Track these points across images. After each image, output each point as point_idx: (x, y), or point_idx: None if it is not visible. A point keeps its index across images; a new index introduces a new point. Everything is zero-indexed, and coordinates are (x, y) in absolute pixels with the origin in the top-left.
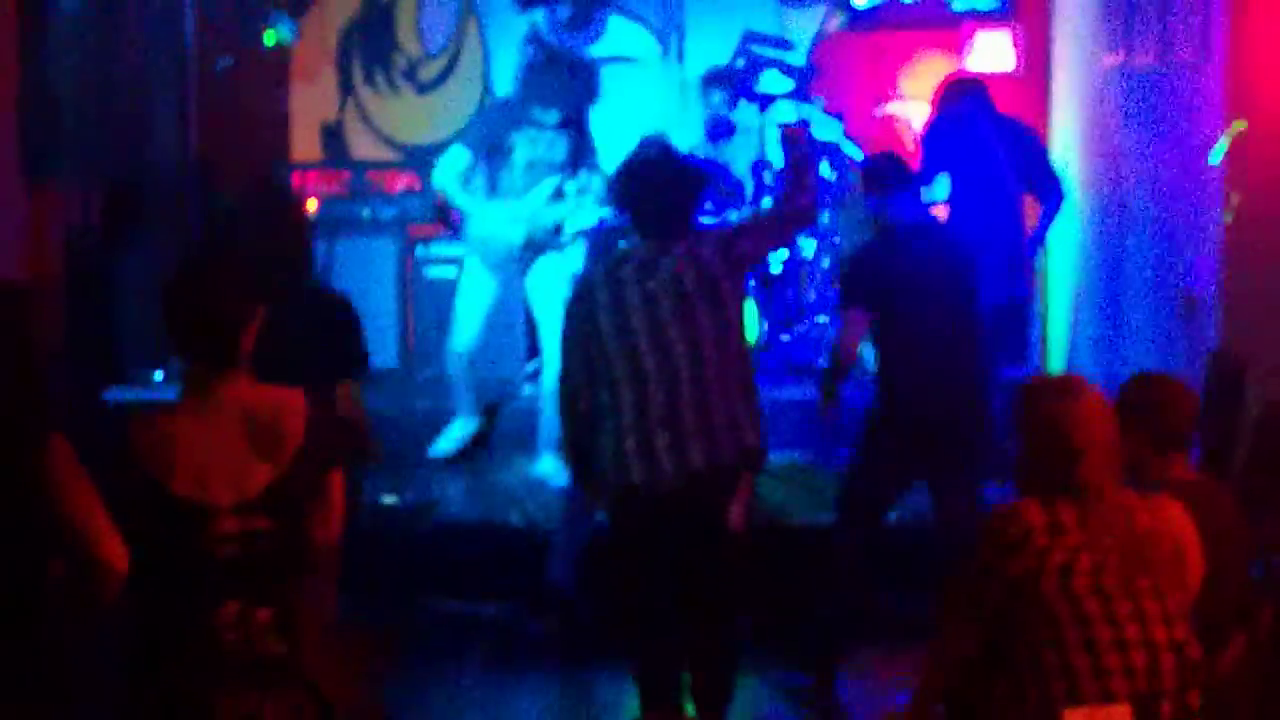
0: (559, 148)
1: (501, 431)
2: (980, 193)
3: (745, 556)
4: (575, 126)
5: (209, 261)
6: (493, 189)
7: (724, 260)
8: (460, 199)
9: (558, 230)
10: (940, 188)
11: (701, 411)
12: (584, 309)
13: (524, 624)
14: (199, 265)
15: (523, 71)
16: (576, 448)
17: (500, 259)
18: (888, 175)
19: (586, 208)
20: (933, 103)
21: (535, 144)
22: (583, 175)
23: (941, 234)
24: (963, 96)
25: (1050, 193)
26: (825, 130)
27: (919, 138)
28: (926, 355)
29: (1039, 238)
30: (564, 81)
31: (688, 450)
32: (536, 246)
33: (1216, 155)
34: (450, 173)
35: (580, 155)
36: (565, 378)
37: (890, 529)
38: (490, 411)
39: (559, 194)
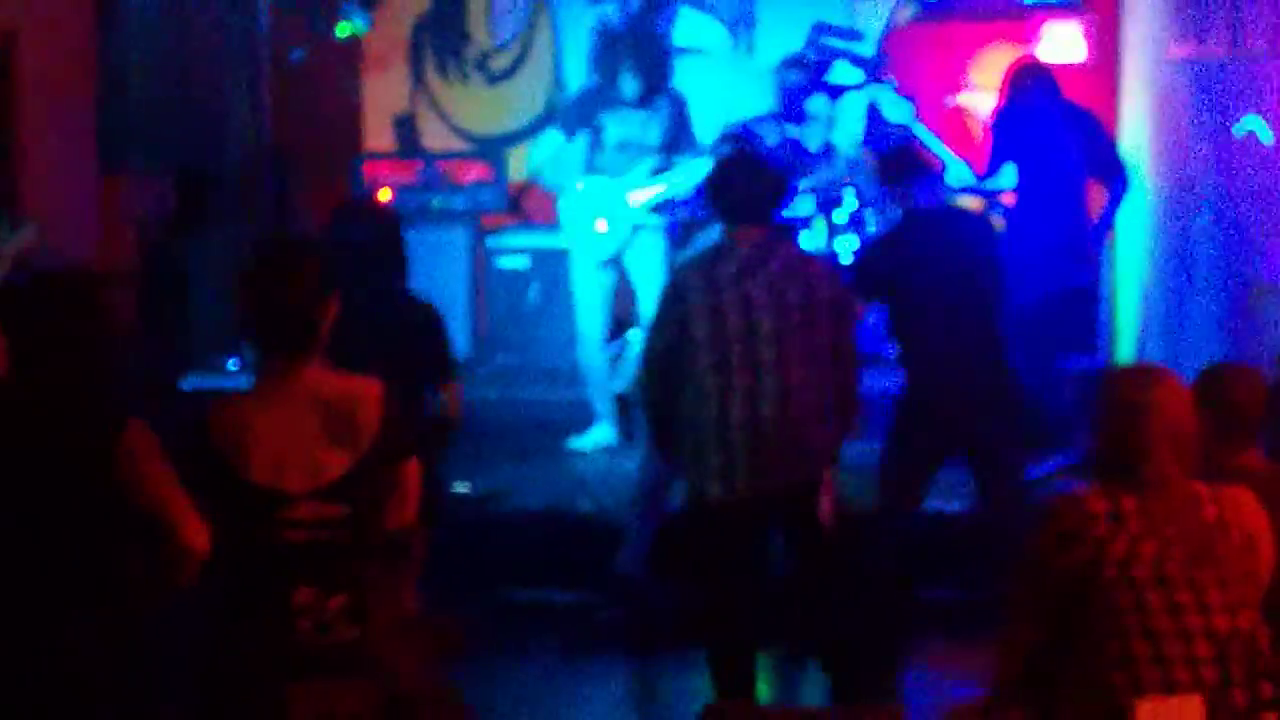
0: (652, 129)
1: (570, 419)
2: (1047, 180)
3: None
4: (670, 107)
5: (287, 249)
6: (589, 171)
7: (830, 292)
8: (554, 182)
9: (655, 210)
10: (1008, 176)
11: (785, 434)
12: (676, 314)
13: (595, 613)
14: (277, 253)
15: (595, 48)
16: (656, 413)
17: (596, 240)
18: (902, 165)
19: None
20: (1000, 90)
21: (626, 123)
22: (678, 159)
23: (959, 220)
24: (1030, 83)
25: (1116, 179)
26: (896, 111)
27: (987, 127)
28: (944, 341)
29: (1105, 225)
30: (635, 53)
31: (767, 473)
32: (633, 227)
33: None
34: (544, 156)
35: (680, 137)
36: (647, 364)
37: (947, 519)
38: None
39: (657, 175)
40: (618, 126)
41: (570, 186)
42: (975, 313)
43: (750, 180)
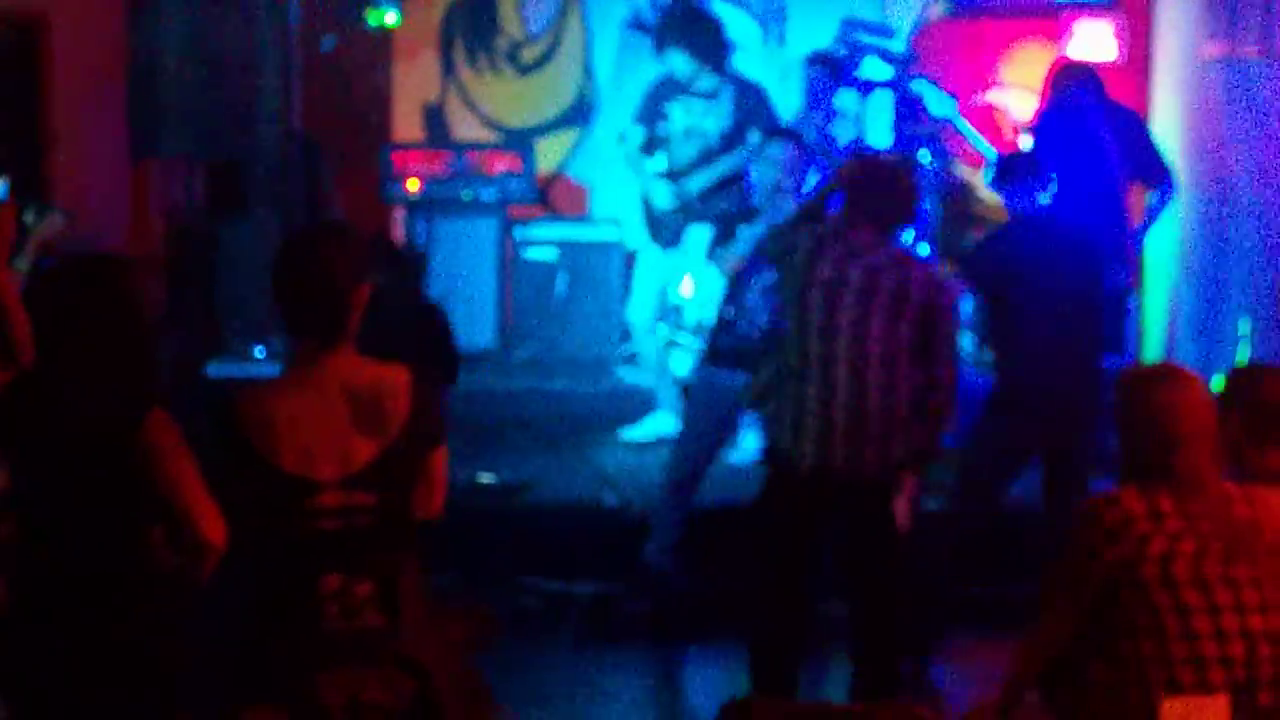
0: (712, 117)
1: (596, 412)
2: (1088, 182)
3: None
4: (736, 96)
5: (319, 235)
6: (659, 161)
7: (925, 291)
8: (638, 176)
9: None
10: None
11: (859, 419)
12: (779, 264)
13: (621, 604)
14: (309, 239)
15: (653, 35)
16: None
17: (653, 230)
18: (1016, 169)
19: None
20: (1043, 89)
21: (691, 111)
22: (749, 144)
23: (1066, 225)
24: (1073, 84)
25: (1161, 182)
26: (938, 106)
27: (1020, 126)
28: (1047, 342)
29: (1148, 227)
30: (682, 32)
31: (831, 448)
32: (688, 215)
33: None
34: (630, 150)
35: (749, 126)
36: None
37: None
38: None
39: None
40: (683, 114)
41: (641, 180)
42: (1078, 319)
43: (891, 190)
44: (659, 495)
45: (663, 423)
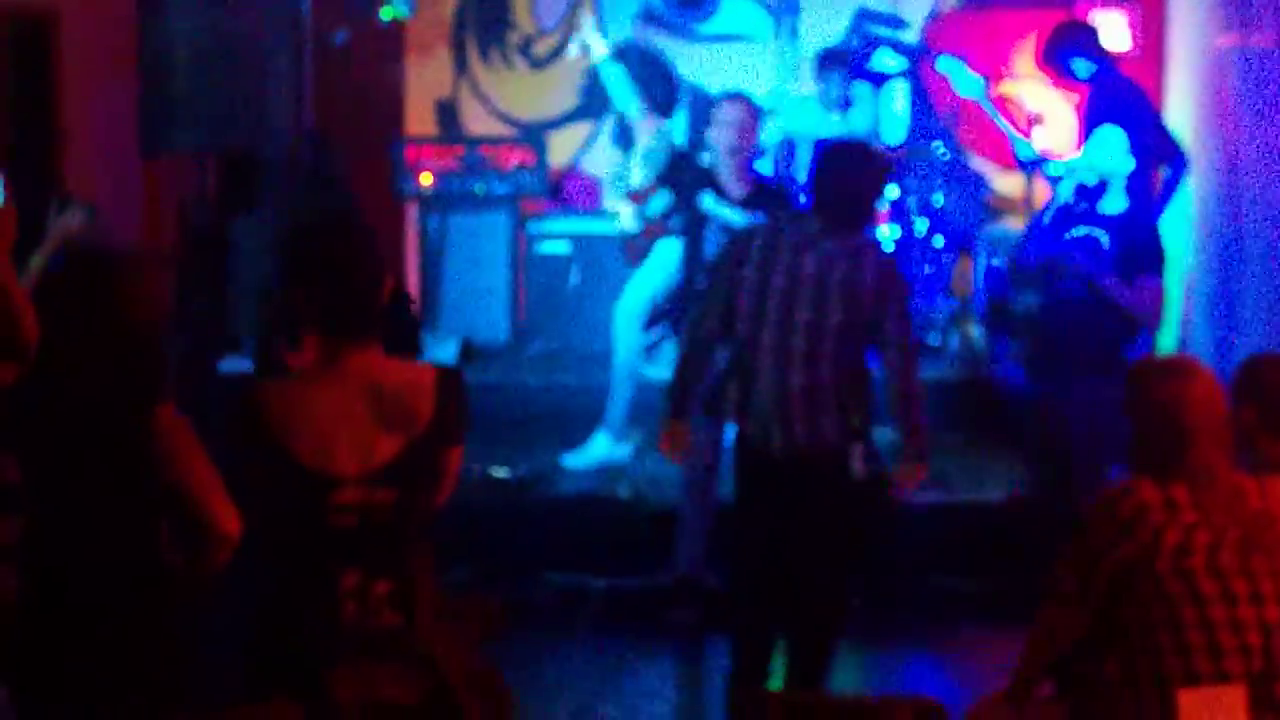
0: (669, 137)
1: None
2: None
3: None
4: (693, 112)
5: (347, 235)
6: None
7: (875, 289)
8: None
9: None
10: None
11: (806, 395)
12: (736, 254)
13: (664, 613)
14: (334, 232)
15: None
16: (681, 379)
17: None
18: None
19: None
20: (1056, 46)
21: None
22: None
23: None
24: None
25: (1172, 159)
26: (966, 86)
27: (1033, 117)
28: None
29: (1165, 202)
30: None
31: (793, 432)
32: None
33: None
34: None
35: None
36: (697, 320)
37: (983, 508)
38: None
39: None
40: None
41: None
42: None
43: (845, 179)
44: (680, 500)
45: (604, 448)
